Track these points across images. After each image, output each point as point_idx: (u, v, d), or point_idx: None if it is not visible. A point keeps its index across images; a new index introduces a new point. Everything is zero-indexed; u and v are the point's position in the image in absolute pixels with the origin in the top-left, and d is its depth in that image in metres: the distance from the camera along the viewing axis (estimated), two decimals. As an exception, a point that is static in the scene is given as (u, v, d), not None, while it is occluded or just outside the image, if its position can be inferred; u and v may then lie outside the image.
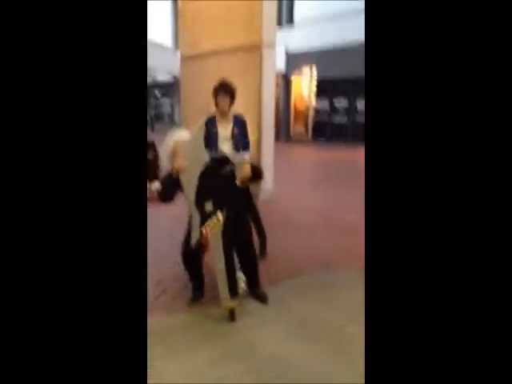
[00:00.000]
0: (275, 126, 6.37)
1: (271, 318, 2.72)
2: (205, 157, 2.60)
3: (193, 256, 2.83)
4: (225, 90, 3.30)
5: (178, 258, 3.73)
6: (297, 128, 17.45)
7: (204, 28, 6.47)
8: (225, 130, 3.26)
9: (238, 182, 2.73)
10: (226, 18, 6.04)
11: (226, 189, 2.62)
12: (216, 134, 3.18)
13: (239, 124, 3.40)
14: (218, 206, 2.58)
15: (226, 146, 3.20)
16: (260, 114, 5.71)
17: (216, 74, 6.18)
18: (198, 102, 6.54)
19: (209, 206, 2.59)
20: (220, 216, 2.57)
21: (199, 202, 2.61)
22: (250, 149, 3.38)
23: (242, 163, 2.94)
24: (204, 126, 2.65)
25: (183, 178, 2.65)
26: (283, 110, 17.02)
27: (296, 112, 17.41)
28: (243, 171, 2.77)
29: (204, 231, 2.60)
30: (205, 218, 2.60)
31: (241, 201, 2.82)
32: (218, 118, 3.24)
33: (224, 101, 3.27)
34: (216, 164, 2.70)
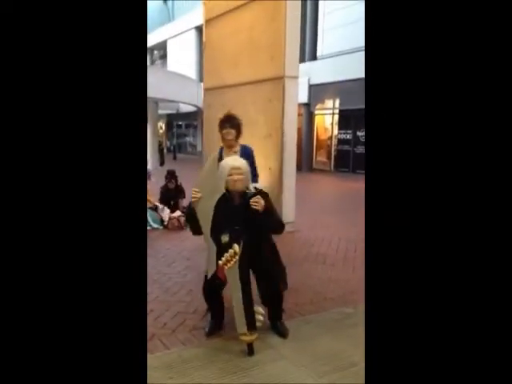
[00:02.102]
0: (297, 156, 6.35)
1: (290, 353, 2.62)
2: (220, 188, 2.58)
3: (213, 288, 2.78)
4: (230, 123, 3.38)
5: (196, 288, 3.67)
6: (319, 158, 17.46)
7: (227, 61, 6.60)
8: None
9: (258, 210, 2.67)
10: (248, 53, 6.15)
11: (242, 220, 2.58)
12: None
13: (246, 154, 3.48)
14: (234, 238, 2.54)
15: None
16: (282, 143, 5.71)
17: (238, 103, 6.31)
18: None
19: (225, 238, 2.55)
20: (237, 248, 2.53)
21: (215, 234, 2.58)
22: (260, 180, 3.39)
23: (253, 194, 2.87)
24: (217, 158, 2.66)
25: (198, 210, 2.62)
26: (306, 139, 17.09)
27: (318, 142, 17.45)
28: (257, 202, 2.67)
29: (220, 263, 2.56)
30: (221, 250, 2.56)
31: (257, 231, 2.75)
32: (224, 150, 3.26)
33: (230, 134, 3.36)
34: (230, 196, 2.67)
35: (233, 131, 3.44)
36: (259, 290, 2.80)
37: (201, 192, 2.58)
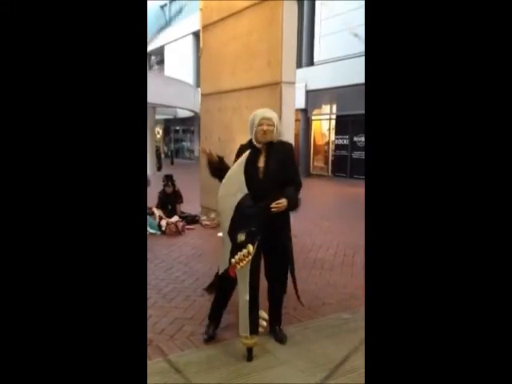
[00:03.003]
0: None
1: (289, 358, 2.62)
2: (244, 189, 2.57)
3: (227, 286, 2.77)
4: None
5: (194, 294, 3.66)
6: (316, 163, 17.48)
7: (224, 67, 6.62)
8: None
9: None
10: (245, 59, 6.16)
11: (261, 222, 2.57)
12: None
13: None
14: (249, 239, 2.53)
15: None
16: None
17: (235, 109, 6.33)
18: (217, 136, 6.63)
19: (241, 237, 2.53)
20: (250, 248, 2.51)
21: (232, 232, 2.56)
22: None
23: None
24: (245, 161, 2.65)
25: (221, 206, 2.63)
26: (303, 145, 17.12)
27: (316, 147, 17.48)
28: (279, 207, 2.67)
29: (233, 262, 2.54)
30: (236, 248, 2.55)
31: (279, 234, 2.77)
32: None
33: None
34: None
35: None
36: (269, 274, 2.80)
37: (226, 188, 2.59)
